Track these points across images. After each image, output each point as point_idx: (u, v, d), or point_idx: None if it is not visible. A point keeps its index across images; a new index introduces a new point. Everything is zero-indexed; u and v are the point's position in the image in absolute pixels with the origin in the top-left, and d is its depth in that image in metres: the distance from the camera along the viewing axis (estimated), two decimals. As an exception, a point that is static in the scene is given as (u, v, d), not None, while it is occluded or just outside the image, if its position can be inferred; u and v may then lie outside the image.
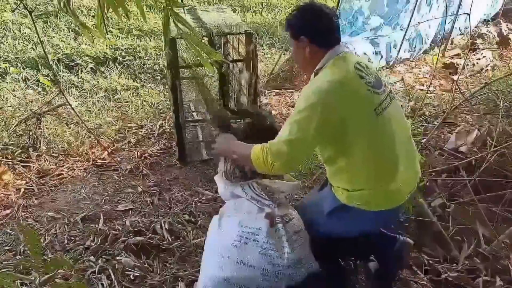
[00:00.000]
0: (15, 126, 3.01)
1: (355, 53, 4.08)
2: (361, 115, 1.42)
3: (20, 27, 5.01)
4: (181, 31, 1.11)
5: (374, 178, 1.48)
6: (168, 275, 1.94)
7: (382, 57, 4.54)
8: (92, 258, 2.01)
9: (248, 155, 1.48)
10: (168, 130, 3.27)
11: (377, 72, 1.54)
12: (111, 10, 1.12)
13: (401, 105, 3.67)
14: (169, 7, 1.05)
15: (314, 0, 1.58)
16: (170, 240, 2.16)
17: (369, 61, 1.43)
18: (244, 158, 1.54)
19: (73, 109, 2.81)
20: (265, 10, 6.46)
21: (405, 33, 4.60)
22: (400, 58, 4.79)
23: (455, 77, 3.87)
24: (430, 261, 2.02)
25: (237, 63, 2.86)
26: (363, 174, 1.47)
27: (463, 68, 4.32)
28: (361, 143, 1.42)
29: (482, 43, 5.17)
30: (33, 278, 1.74)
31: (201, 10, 2.94)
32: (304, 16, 1.51)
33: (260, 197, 1.71)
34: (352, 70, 1.44)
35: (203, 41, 1.31)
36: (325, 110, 1.37)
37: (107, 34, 4.92)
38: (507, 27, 5.43)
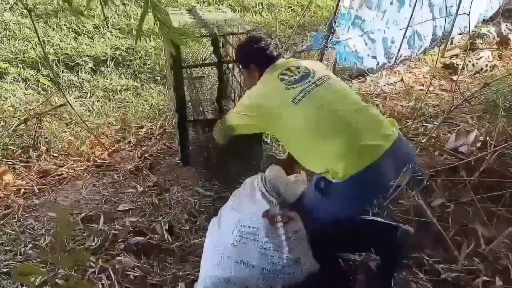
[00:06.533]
0: (15, 126, 3.01)
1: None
2: (279, 107, 1.73)
3: (20, 27, 5.00)
4: (157, 20, 1.09)
5: (319, 149, 1.64)
6: (168, 275, 1.95)
7: (376, 58, 4.53)
8: (92, 258, 2.01)
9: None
10: (168, 130, 3.28)
11: (312, 67, 1.84)
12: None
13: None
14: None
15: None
16: (170, 240, 2.16)
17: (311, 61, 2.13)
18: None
19: (73, 108, 2.80)
20: (265, 10, 6.45)
21: (405, 32, 4.59)
22: (401, 55, 4.77)
23: (455, 77, 3.87)
24: (430, 261, 2.02)
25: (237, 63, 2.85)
26: (310, 152, 1.68)
27: (463, 68, 4.32)
28: (286, 129, 1.73)
29: (482, 43, 5.17)
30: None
31: (201, 11, 2.93)
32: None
33: (267, 192, 1.73)
34: (276, 76, 1.82)
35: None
36: (252, 109, 1.84)
37: (108, 30, 4.92)
38: (507, 27, 5.43)
